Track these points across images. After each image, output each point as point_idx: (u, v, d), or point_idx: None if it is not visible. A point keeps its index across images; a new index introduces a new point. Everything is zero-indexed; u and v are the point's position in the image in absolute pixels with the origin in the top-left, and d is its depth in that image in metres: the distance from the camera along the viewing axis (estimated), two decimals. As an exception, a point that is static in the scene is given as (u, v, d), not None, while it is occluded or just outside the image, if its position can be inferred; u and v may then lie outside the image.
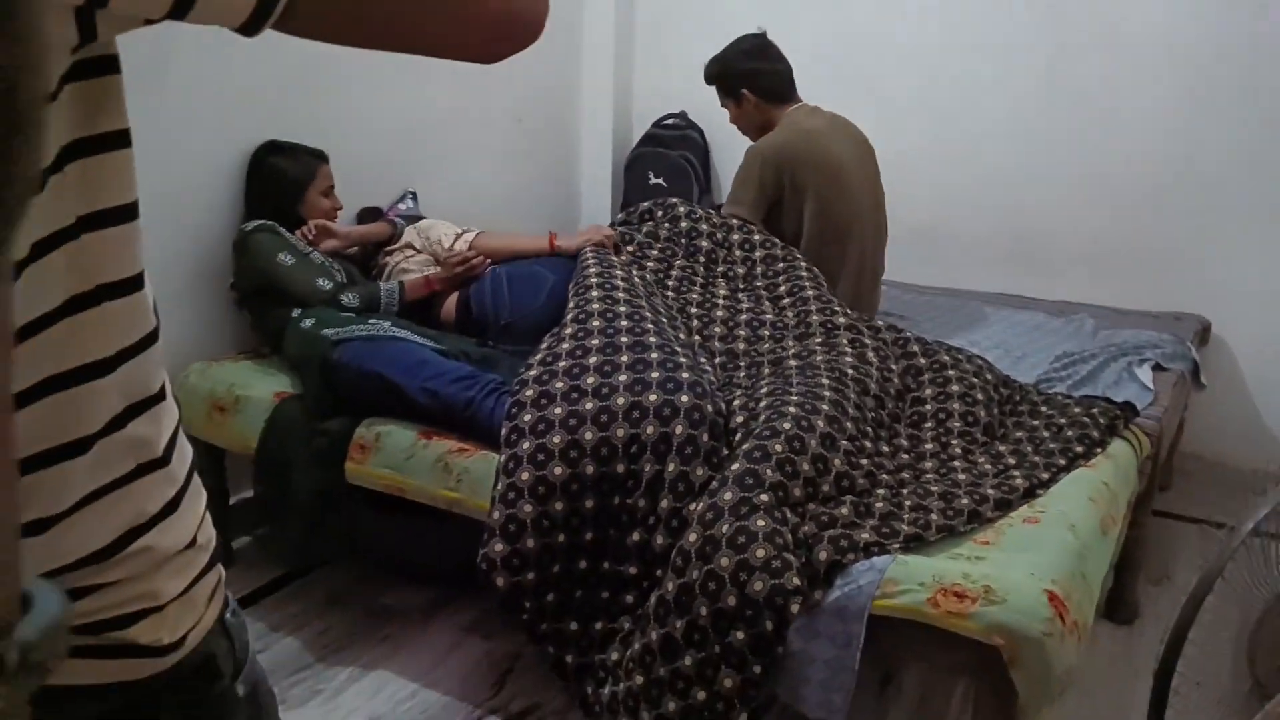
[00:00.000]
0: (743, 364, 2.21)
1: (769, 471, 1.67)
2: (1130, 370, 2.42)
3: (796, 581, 1.53)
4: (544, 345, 2.01)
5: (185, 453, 0.73)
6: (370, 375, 2.01)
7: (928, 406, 2.10)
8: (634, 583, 1.76)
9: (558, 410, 1.81)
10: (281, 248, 2.28)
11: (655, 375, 1.84)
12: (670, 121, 3.71)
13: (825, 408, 1.85)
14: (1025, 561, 1.54)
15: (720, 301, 2.42)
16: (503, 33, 0.63)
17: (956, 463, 1.94)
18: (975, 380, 2.17)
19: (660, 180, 3.63)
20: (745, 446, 1.74)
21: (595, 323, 2.02)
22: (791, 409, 1.82)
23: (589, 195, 3.92)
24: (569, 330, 2.02)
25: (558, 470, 1.75)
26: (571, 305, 2.13)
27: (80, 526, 0.64)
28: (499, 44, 0.63)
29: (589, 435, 1.77)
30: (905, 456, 1.95)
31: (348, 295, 2.26)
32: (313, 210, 2.44)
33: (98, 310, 0.63)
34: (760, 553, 1.55)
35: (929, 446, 2.00)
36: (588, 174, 3.90)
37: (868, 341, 2.19)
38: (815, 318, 2.30)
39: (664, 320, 2.15)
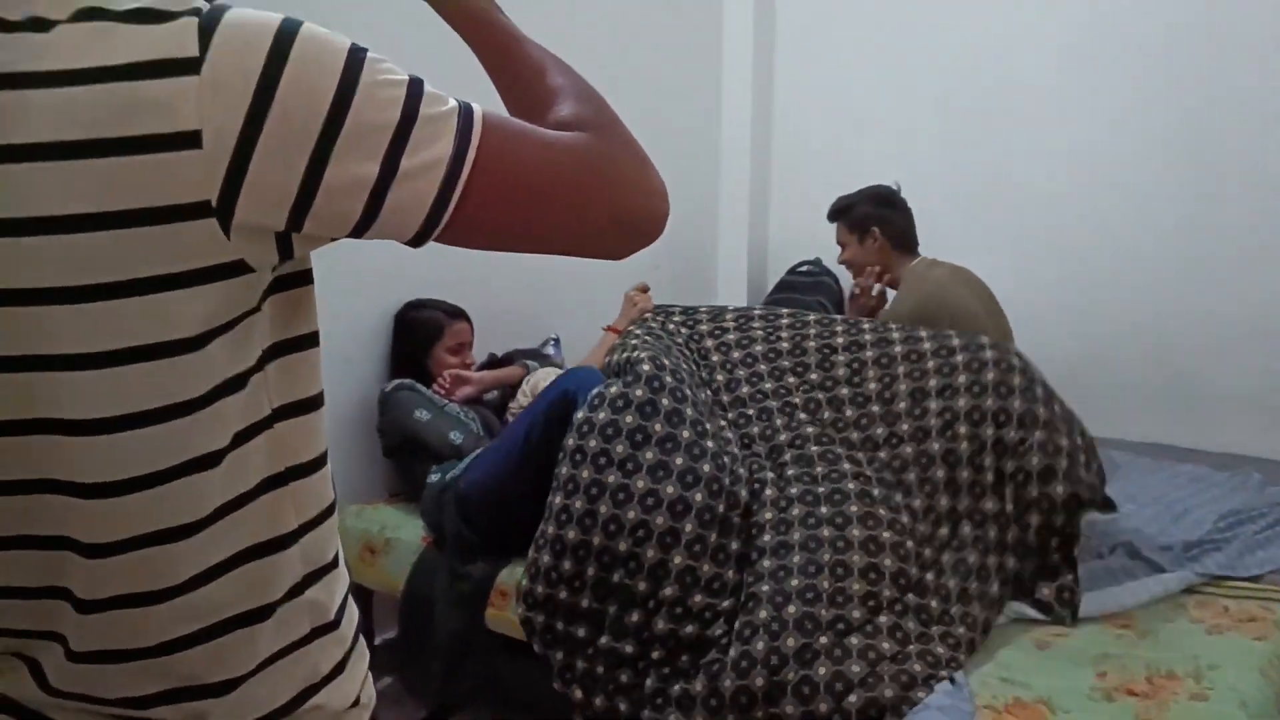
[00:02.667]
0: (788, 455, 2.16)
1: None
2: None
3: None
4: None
5: (352, 616, 0.79)
6: (498, 480, 2.08)
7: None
8: (629, 661, 1.82)
9: (585, 474, 1.91)
10: (418, 404, 2.41)
11: (680, 461, 1.91)
12: (805, 268, 3.77)
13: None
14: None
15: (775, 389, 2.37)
16: (633, 234, 0.70)
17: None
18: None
19: (795, 326, 3.66)
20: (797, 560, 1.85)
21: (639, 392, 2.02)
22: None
23: (725, 340, 3.98)
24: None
25: (570, 534, 1.89)
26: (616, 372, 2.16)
27: (263, 686, 0.70)
28: (628, 244, 0.70)
29: (603, 509, 1.87)
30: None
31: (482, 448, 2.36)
32: (439, 366, 2.57)
33: (287, 489, 0.70)
34: (824, 707, 1.63)
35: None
36: (723, 319, 3.97)
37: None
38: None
39: (701, 399, 2.15)
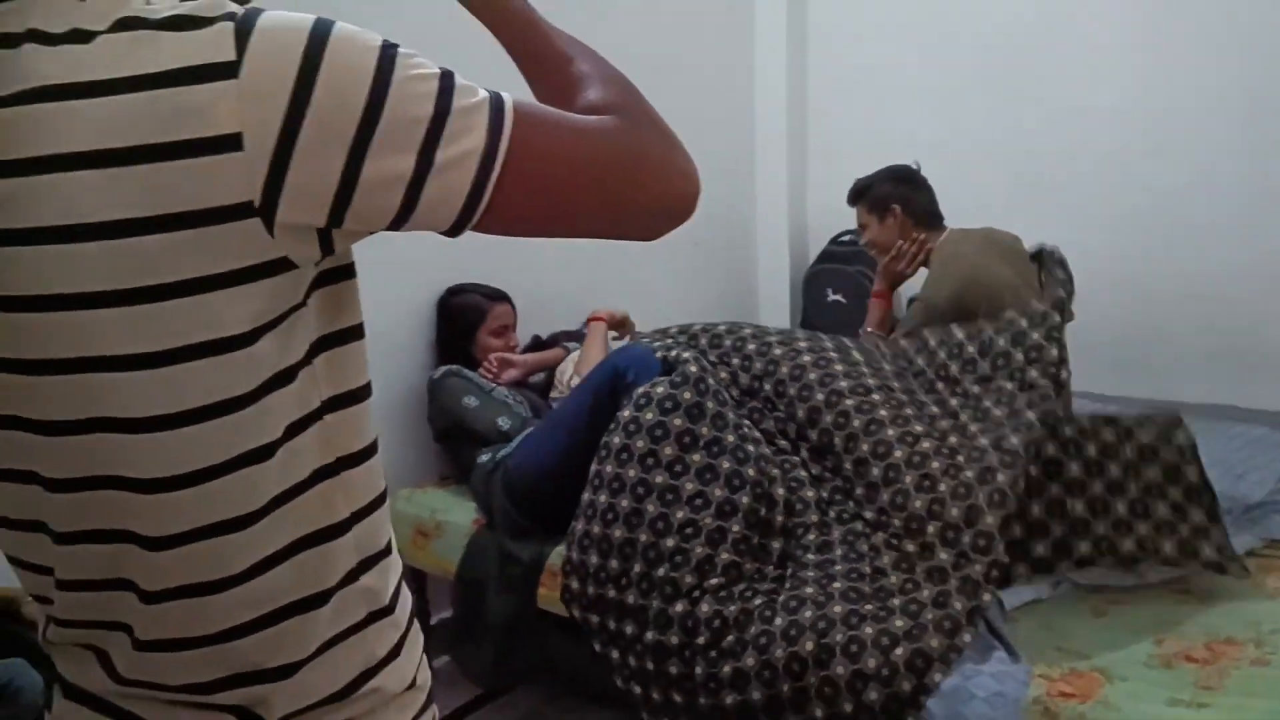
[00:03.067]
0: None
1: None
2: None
3: (907, 687, 1.61)
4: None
5: (406, 601, 0.80)
6: (546, 462, 2.10)
7: None
8: (675, 651, 1.84)
9: (631, 473, 1.95)
10: (466, 390, 2.44)
11: (726, 465, 1.93)
12: (847, 238, 3.73)
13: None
14: (1265, 711, 1.41)
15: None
16: (665, 215, 0.70)
17: None
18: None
19: (839, 297, 3.64)
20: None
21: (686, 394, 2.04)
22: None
23: (767, 314, 3.96)
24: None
25: (616, 533, 1.92)
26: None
27: (321, 669, 0.71)
28: (662, 225, 0.71)
29: (651, 508, 1.92)
30: None
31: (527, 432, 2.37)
32: (484, 351, 2.59)
33: (338, 479, 0.71)
34: (872, 662, 1.64)
35: None
36: (765, 293, 3.96)
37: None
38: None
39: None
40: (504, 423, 2.38)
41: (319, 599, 0.71)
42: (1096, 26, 3.22)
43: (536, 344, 2.85)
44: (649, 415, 1.98)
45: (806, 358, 2.19)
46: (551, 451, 2.15)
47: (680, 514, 1.90)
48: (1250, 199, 3.02)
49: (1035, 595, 1.91)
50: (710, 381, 2.07)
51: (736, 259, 3.89)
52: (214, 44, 0.57)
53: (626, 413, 2.01)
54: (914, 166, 2.79)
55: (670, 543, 1.88)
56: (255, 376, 0.63)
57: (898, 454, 1.92)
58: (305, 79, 0.57)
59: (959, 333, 2.25)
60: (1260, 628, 1.73)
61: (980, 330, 2.21)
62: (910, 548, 1.82)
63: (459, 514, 2.34)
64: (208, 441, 0.63)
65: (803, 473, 2.06)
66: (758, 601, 1.81)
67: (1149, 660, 1.66)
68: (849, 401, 2.05)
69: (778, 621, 1.75)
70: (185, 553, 0.65)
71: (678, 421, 1.97)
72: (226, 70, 0.57)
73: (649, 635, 1.87)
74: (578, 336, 2.91)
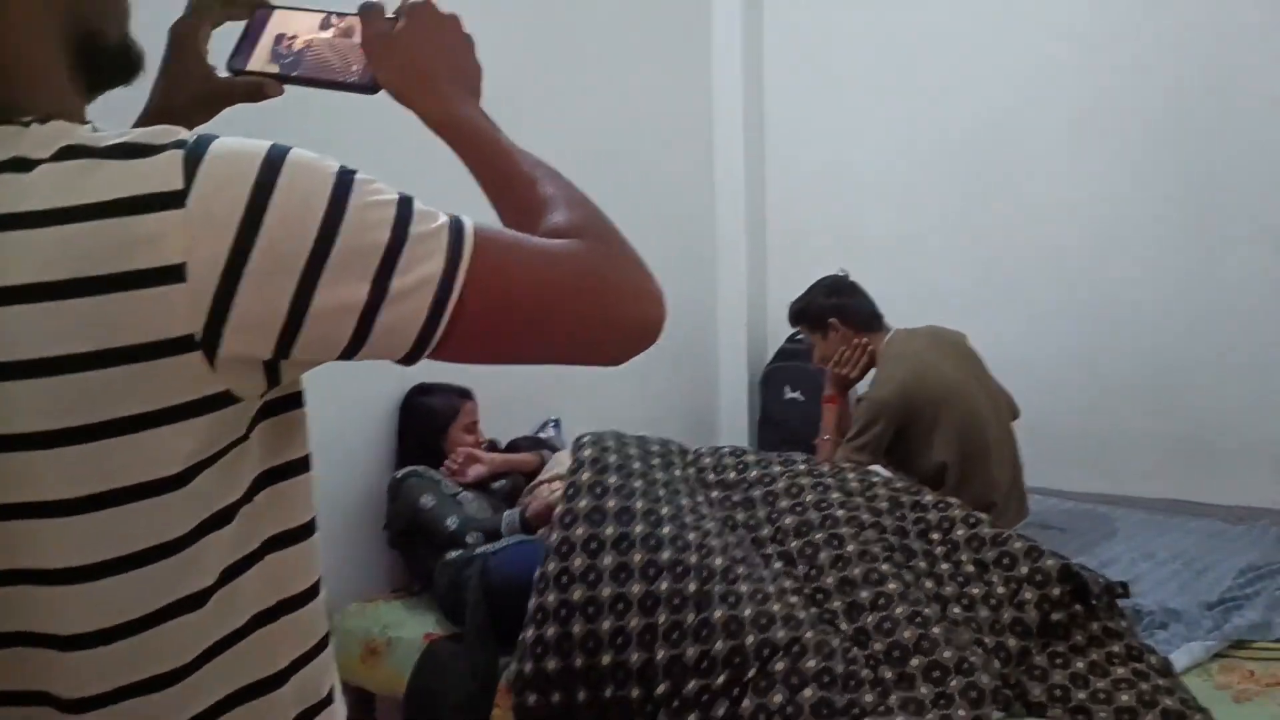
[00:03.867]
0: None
1: None
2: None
3: None
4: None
5: None
6: (530, 571, 2.04)
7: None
8: None
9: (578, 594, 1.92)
10: (425, 490, 2.39)
11: (637, 558, 1.93)
12: (803, 336, 3.75)
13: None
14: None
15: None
16: (630, 342, 0.69)
17: None
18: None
19: (797, 394, 3.64)
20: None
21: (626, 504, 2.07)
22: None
23: (726, 410, 3.97)
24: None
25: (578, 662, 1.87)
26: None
27: None
28: (626, 352, 0.69)
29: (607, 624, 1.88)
30: None
31: (472, 536, 2.32)
32: (454, 446, 2.56)
33: (278, 624, 0.67)
34: None
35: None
36: (725, 391, 3.96)
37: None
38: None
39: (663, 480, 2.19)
40: (451, 523, 2.32)
41: None
42: (1049, 128, 3.34)
43: (494, 449, 2.80)
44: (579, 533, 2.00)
45: (805, 480, 2.21)
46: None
47: (607, 625, 1.87)
48: (1199, 294, 3.10)
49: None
50: (610, 480, 2.10)
51: (697, 356, 3.89)
52: (162, 172, 0.55)
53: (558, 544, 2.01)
54: (842, 274, 2.86)
55: (634, 658, 1.83)
56: (190, 518, 0.60)
57: (891, 586, 1.88)
58: (256, 206, 0.56)
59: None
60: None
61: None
62: (888, 674, 1.77)
63: (410, 628, 2.25)
64: (136, 591, 0.59)
65: (778, 565, 2.02)
66: (719, 714, 1.75)
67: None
68: (845, 529, 2.03)
69: None
70: (108, 715, 0.60)
71: (609, 530, 1.98)
72: (174, 199, 0.55)
73: None
74: (535, 441, 2.87)
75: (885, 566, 1.94)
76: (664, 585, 1.87)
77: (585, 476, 2.07)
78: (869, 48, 3.68)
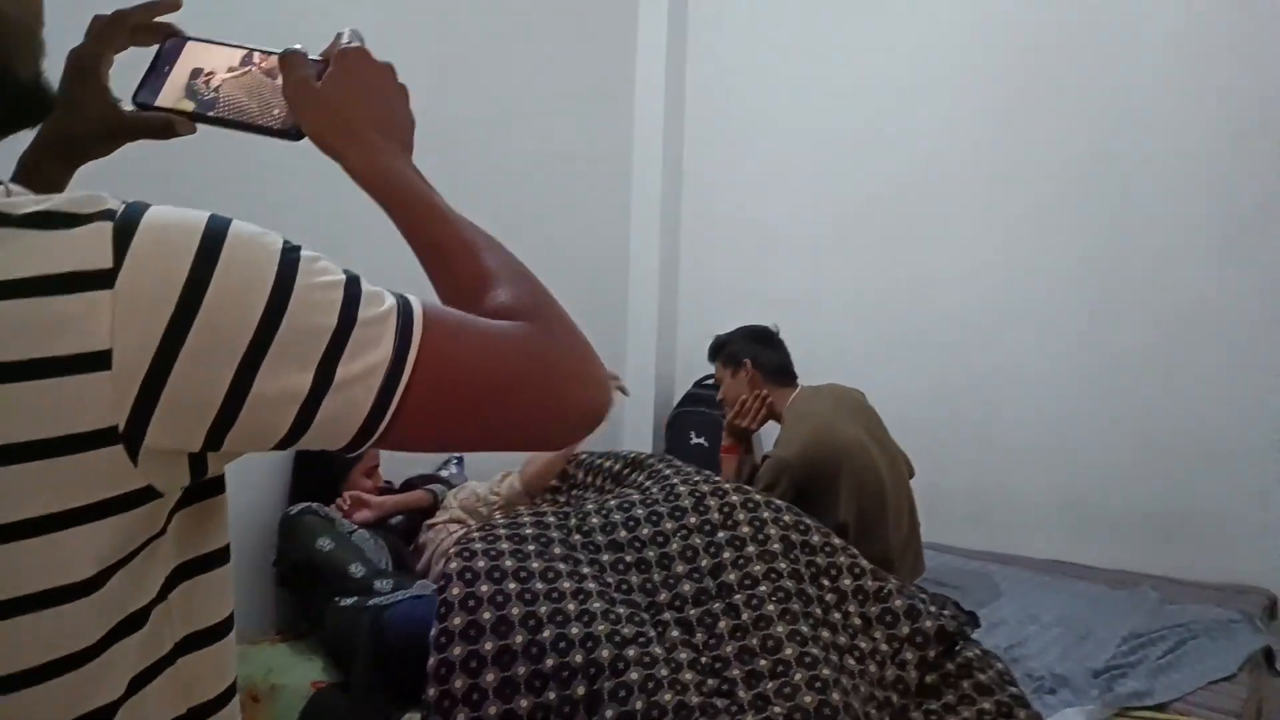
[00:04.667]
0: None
1: None
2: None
3: None
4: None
5: None
6: (427, 628, 1.95)
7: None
8: None
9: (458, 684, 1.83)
10: (323, 531, 2.29)
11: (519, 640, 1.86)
12: (711, 381, 3.77)
13: None
14: None
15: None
16: (576, 428, 0.66)
17: None
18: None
19: (702, 440, 3.65)
20: None
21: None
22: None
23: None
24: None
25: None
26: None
27: None
28: (570, 437, 0.66)
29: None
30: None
31: (380, 582, 2.23)
32: (352, 488, 2.48)
33: None
34: None
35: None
36: (630, 432, 3.94)
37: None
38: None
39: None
40: (356, 570, 2.22)
41: None
42: (957, 193, 3.44)
43: (389, 490, 2.71)
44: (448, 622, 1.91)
45: (697, 539, 2.14)
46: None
47: (494, 710, 1.81)
48: (1090, 363, 3.22)
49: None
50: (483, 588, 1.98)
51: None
52: (88, 247, 0.49)
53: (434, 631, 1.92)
54: (773, 329, 2.91)
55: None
56: (101, 625, 0.53)
57: (788, 651, 1.86)
58: (194, 284, 0.50)
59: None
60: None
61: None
62: None
63: (296, 675, 2.13)
64: (35, 710, 0.52)
65: (675, 633, 1.96)
66: None
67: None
68: (738, 595, 2.00)
69: None
70: None
71: (488, 647, 1.89)
72: (101, 279, 0.49)
73: None
74: (433, 480, 2.80)
75: (780, 629, 1.92)
76: (552, 695, 1.81)
77: (455, 592, 1.95)
78: (788, 97, 3.77)
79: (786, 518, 2.17)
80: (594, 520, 2.24)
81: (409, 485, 2.76)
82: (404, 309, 0.58)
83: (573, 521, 2.24)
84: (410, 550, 2.53)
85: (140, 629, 0.56)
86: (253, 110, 0.73)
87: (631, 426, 3.94)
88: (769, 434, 2.90)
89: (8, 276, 0.48)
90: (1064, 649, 2.45)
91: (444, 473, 2.92)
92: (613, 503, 2.31)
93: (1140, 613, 2.67)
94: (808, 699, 1.79)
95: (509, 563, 2.00)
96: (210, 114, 0.73)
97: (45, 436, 0.49)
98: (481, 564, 1.99)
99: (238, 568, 2.05)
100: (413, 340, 0.57)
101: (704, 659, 1.89)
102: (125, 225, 0.51)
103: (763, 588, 2.01)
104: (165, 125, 0.77)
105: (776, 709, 1.76)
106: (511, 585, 1.95)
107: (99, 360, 0.49)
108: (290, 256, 0.54)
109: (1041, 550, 3.21)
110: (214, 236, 0.52)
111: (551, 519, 2.22)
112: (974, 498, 3.37)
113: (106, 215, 0.51)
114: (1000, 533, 3.31)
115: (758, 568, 2.05)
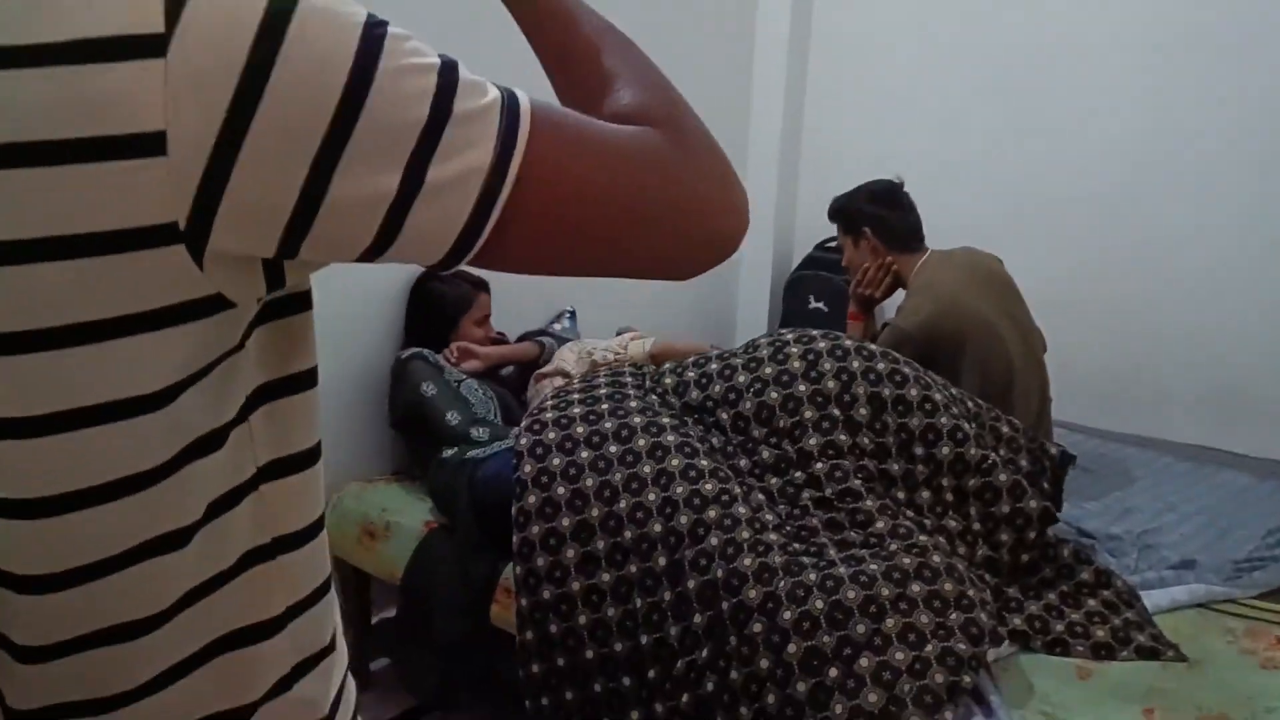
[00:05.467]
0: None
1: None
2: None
3: None
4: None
5: (349, 703, 0.66)
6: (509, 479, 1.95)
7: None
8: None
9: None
10: (428, 376, 2.28)
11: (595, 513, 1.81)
12: (834, 244, 3.61)
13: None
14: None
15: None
16: (706, 258, 0.57)
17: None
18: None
19: (821, 304, 3.52)
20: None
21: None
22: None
23: (745, 315, 3.85)
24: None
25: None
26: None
27: None
28: (698, 267, 0.58)
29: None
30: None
31: (476, 430, 2.22)
32: (463, 338, 2.46)
33: (274, 564, 0.57)
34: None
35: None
36: (746, 293, 3.84)
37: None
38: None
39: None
40: (452, 418, 2.22)
41: (240, 714, 0.56)
42: (1105, 55, 3.12)
43: (501, 343, 2.70)
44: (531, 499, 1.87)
45: (773, 394, 1.99)
46: None
47: (576, 585, 1.79)
48: (1250, 248, 2.95)
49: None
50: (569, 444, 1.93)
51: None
52: (137, 9, 0.41)
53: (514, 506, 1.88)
54: (896, 181, 2.69)
55: (619, 648, 1.77)
56: (172, 444, 0.48)
57: (879, 525, 1.79)
58: (259, 62, 0.42)
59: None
60: (1254, 705, 1.64)
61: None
62: (885, 593, 1.65)
63: (410, 515, 2.18)
64: (105, 529, 0.48)
65: (759, 498, 1.88)
66: (709, 688, 1.67)
67: (1139, 733, 1.56)
68: (819, 465, 1.90)
69: (743, 710, 1.62)
70: (66, 666, 0.50)
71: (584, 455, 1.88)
72: (151, 46, 0.41)
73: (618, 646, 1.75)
74: (545, 334, 2.77)
75: (870, 503, 1.85)
76: (633, 568, 1.76)
77: (527, 470, 1.88)
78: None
79: (880, 366, 2.01)
80: (667, 381, 2.16)
81: (525, 339, 2.74)
82: (510, 103, 0.49)
83: (648, 383, 2.16)
84: (520, 402, 2.53)
85: (218, 450, 0.51)
86: None
87: (747, 289, 3.83)
88: (898, 298, 2.76)
89: (40, 39, 0.40)
90: (1204, 541, 2.30)
91: (556, 326, 2.89)
92: (691, 366, 2.19)
93: (1290, 507, 2.49)
94: (906, 560, 1.72)
95: (580, 429, 1.92)
96: None
97: (94, 230, 0.42)
98: (552, 435, 1.92)
99: (352, 410, 2.07)
100: (518, 142, 0.48)
101: (789, 526, 1.83)
102: None
103: (846, 462, 1.91)
104: None
105: (872, 566, 1.70)
106: (584, 454, 1.87)
107: (153, 144, 0.42)
108: (375, 32, 0.45)
109: (1183, 435, 3.02)
110: (283, 4, 0.43)
111: (629, 378, 2.14)
112: (1111, 377, 3.17)
113: None
114: (1138, 415, 3.12)
115: (842, 437, 1.93)
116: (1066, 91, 3.21)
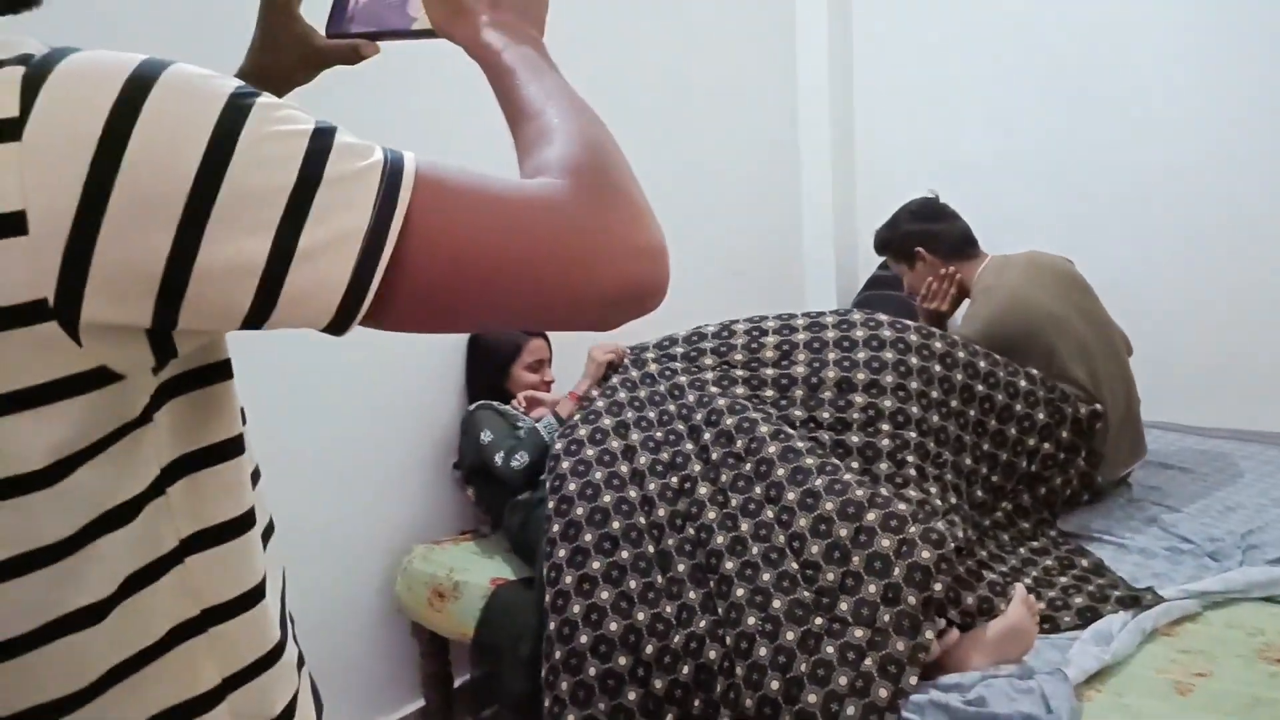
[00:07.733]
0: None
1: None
2: None
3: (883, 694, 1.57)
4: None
5: None
6: None
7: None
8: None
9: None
10: (487, 424, 2.30)
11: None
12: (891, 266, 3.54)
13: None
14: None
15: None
16: (621, 306, 0.55)
17: None
18: None
19: (890, 324, 3.44)
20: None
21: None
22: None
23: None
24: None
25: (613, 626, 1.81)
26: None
27: None
28: (614, 317, 0.55)
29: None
30: None
31: (517, 458, 2.21)
32: (517, 385, 2.47)
33: (205, 636, 0.56)
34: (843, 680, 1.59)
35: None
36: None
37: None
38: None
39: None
40: (499, 459, 2.21)
41: None
42: (1158, 32, 3.00)
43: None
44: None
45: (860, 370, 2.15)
46: None
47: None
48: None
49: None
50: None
51: (781, 286, 3.70)
52: None
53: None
54: (931, 196, 2.63)
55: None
56: (74, 519, 0.49)
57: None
58: (114, 134, 0.43)
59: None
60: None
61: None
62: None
63: (477, 573, 2.19)
64: (10, 606, 0.49)
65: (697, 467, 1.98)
66: (712, 655, 1.70)
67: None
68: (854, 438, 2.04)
69: (739, 670, 1.65)
70: None
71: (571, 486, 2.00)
72: (6, 130, 0.43)
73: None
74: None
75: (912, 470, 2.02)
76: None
77: (570, 485, 2.02)
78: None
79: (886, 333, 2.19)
80: (738, 347, 2.36)
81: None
82: (393, 164, 0.49)
83: (717, 358, 2.36)
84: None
85: (128, 524, 0.52)
86: (392, 19, 0.75)
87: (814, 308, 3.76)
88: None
89: None
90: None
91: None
92: (750, 327, 2.41)
93: None
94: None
95: (607, 421, 2.14)
96: (369, 30, 0.76)
97: None
98: (583, 432, 2.12)
99: (417, 473, 2.11)
100: (399, 202, 0.48)
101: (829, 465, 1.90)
102: (38, 71, 0.45)
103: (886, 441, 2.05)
104: (352, 51, 0.79)
105: (912, 492, 1.88)
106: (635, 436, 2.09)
107: (12, 224, 0.43)
108: (241, 103, 0.47)
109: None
110: (141, 82, 0.45)
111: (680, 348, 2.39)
112: (1204, 369, 3.00)
113: (20, 60, 0.45)
114: (1240, 406, 2.93)
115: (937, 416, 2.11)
116: (1121, 69, 3.07)
